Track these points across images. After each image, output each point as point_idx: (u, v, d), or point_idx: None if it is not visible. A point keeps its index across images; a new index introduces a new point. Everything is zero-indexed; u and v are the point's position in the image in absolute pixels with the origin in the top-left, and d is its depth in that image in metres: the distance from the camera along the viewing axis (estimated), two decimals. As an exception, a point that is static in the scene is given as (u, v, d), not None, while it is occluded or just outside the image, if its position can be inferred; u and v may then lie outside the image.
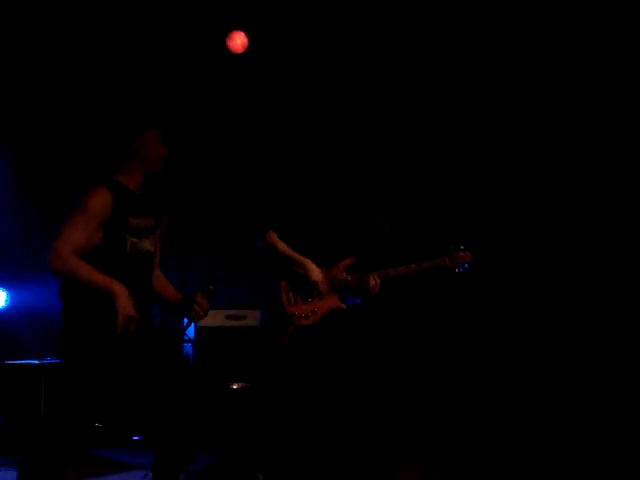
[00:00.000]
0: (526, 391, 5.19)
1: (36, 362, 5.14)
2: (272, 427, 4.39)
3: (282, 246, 4.20)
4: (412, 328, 5.61)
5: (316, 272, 4.15)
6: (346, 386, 4.23)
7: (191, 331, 5.78)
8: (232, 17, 5.82)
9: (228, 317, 5.85)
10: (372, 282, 4.12)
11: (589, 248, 5.23)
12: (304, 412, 4.21)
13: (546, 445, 4.78)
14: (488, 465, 4.62)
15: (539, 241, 5.40)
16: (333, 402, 4.22)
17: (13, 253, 5.92)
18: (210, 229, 6.38)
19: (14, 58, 5.62)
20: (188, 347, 5.82)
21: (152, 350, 3.38)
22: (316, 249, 4.21)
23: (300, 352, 4.15)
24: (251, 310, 5.84)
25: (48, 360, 5.13)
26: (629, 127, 5.14)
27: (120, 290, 3.15)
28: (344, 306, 4.20)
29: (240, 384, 5.66)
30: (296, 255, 4.18)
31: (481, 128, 5.68)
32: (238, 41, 5.84)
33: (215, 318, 5.82)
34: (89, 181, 3.36)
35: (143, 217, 3.40)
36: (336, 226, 4.26)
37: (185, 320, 3.41)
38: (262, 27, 5.80)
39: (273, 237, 4.22)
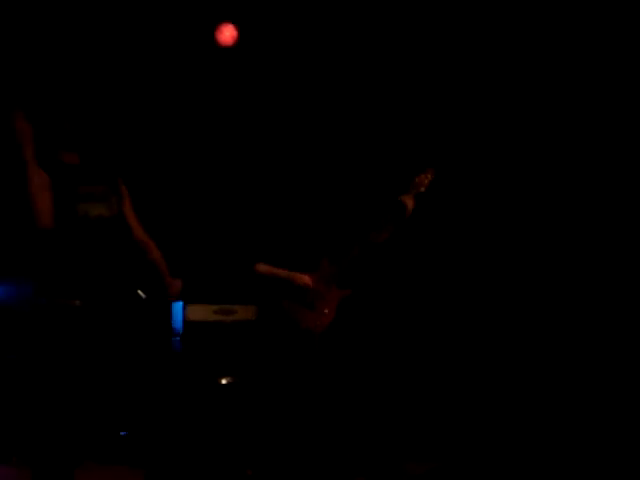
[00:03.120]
0: (528, 389, 5.17)
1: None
2: (264, 423, 4.37)
3: (260, 268, 4.22)
4: (418, 325, 5.61)
5: (305, 278, 4.15)
6: (357, 382, 4.25)
7: (179, 326, 5.74)
8: (221, 10, 5.78)
9: (216, 312, 5.81)
10: (409, 204, 4.12)
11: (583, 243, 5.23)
12: (309, 409, 4.20)
13: (547, 444, 4.79)
14: (491, 463, 4.62)
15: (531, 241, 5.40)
16: (341, 399, 4.22)
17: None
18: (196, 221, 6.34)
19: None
20: (176, 342, 5.78)
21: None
22: (292, 258, 4.22)
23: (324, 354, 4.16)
24: (240, 305, 5.80)
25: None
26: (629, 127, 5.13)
27: None
28: (349, 291, 4.20)
29: (229, 379, 5.63)
30: (276, 271, 4.19)
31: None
32: (227, 34, 5.79)
33: (203, 312, 5.78)
34: None
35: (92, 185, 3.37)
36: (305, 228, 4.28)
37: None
38: (252, 20, 5.77)
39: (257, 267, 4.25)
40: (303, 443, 4.20)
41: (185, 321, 5.73)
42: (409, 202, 4.18)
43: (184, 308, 5.75)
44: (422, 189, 4.23)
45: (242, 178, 6.10)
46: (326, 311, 4.14)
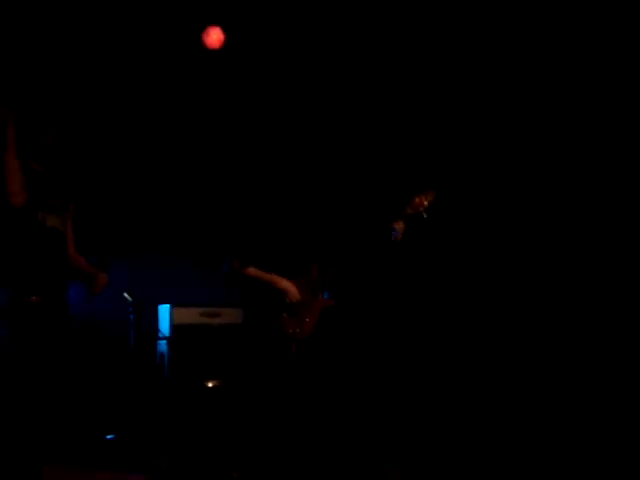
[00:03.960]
0: (514, 391, 5.16)
1: None
2: (250, 426, 4.36)
3: (249, 271, 4.20)
4: (402, 331, 5.60)
5: (292, 291, 4.14)
6: (338, 389, 4.22)
7: (166, 329, 5.75)
8: (208, 12, 5.77)
9: (203, 314, 5.82)
10: (400, 229, 4.06)
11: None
12: (294, 413, 4.19)
13: (532, 447, 4.78)
14: (471, 468, 4.62)
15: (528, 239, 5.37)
16: (325, 405, 4.21)
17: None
18: (180, 225, 6.35)
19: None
20: (163, 345, 5.78)
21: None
22: (281, 263, 4.21)
23: (305, 362, 4.14)
24: (226, 308, 5.81)
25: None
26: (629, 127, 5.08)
27: None
28: (333, 302, 4.18)
29: (215, 382, 5.63)
30: (264, 275, 4.17)
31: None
32: (214, 36, 5.79)
33: (190, 315, 5.79)
34: None
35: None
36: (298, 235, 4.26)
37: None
38: (239, 22, 5.76)
39: (236, 264, 4.22)
40: (285, 448, 4.20)
41: (172, 324, 5.74)
42: (400, 227, 4.11)
43: (171, 311, 5.76)
44: (421, 209, 4.13)
45: (235, 181, 6.10)
46: (307, 319, 4.12)
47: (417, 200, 4.14)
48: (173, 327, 5.74)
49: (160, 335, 5.78)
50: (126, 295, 5.51)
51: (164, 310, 5.83)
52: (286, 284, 4.13)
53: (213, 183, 6.28)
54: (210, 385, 5.62)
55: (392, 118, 5.77)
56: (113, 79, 5.85)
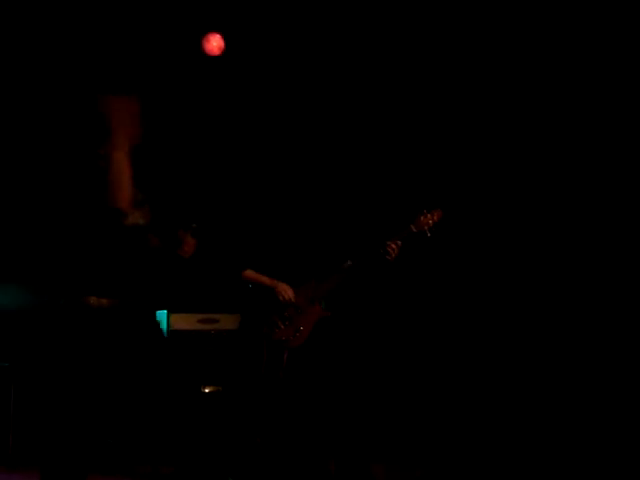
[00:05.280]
0: (514, 391, 5.16)
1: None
2: (246, 430, 4.36)
3: (247, 273, 4.19)
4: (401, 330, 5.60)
5: (288, 292, 4.13)
6: (336, 389, 4.20)
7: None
8: (209, 19, 5.80)
9: (201, 321, 5.81)
10: (393, 248, 4.00)
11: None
12: (292, 418, 4.18)
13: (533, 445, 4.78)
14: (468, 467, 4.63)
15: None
16: (322, 406, 4.19)
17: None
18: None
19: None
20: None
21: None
22: (280, 268, 4.19)
23: (299, 370, 4.12)
24: (224, 314, 5.81)
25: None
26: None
27: None
28: (329, 313, 4.16)
29: (212, 388, 5.62)
30: (262, 278, 4.16)
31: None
32: (214, 43, 5.81)
33: (188, 321, 5.78)
34: None
35: None
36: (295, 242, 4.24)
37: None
38: (239, 29, 5.79)
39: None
40: (278, 453, 4.20)
41: (169, 330, 5.73)
42: (393, 249, 4.04)
43: (168, 317, 5.75)
44: (425, 228, 4.07)
45: (242, 188, 6.11)
46: (301, 328, 4.11)
47: (422, 218, 4.07)
48: (170, 333, 5.73)
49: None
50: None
51: (161, 316, 5.82)
52: (283, 286, 4.12)
53: (219, 190, 6.28)
54: (207, 391, 5.62)
55: (401, 135, 5.78)
56: (110, 83, 5.85)
